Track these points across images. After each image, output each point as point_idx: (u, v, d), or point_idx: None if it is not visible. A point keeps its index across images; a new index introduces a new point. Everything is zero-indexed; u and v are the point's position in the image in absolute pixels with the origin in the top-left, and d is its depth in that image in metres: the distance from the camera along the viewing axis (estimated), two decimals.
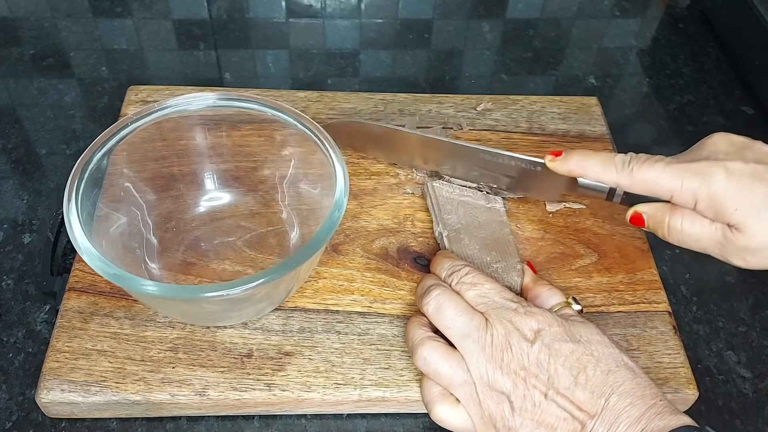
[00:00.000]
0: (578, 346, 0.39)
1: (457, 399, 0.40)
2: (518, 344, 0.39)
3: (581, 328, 0.40)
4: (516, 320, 0.40)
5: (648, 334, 0.48)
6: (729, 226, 0.42)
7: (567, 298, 0.44)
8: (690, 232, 0.43)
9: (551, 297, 0.44)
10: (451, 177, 0.54)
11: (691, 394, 0.45)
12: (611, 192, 0.46)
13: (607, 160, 0.45)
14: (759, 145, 0.42)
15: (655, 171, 0.43)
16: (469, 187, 0.54)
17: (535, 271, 0.48)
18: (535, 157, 0.49)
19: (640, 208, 0.45)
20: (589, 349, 0.39)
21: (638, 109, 0.69)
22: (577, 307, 0.44)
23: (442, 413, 0.41)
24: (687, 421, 0.36)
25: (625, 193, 0.45)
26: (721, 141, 0.43)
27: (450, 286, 0.43)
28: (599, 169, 0.45)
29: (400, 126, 0.59)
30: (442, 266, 0.45)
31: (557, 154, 0.46)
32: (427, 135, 0.52)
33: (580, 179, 0.47)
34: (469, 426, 0.40)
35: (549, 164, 0.47)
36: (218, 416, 0.46)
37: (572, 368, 0.38)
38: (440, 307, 0.41)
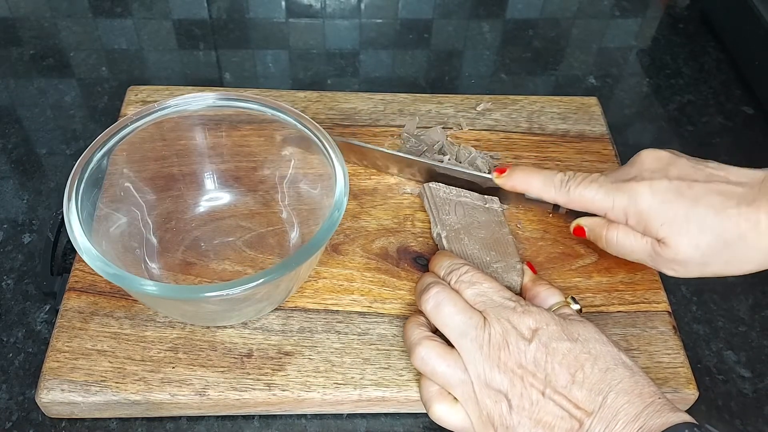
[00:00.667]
0: (576, 345, 0.39)
1: (456, 398, 0.41)
2: (516, 343, 0.39)
3: (579, 326, 0.40)
4: (514, 319, 0.40)
5: (648, 334, 0.48)
6: (657, 240, 0.44)
7: (566, 298, 0.44)
8: (624, 244, 0.46)
9: (550, 296, 0.44)
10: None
11: (690, 394, 0.45)
12: (556, 206, 0.50)
13: (547, 179, 0.48)
14: (683, 160, 0.45)
15: (590, 191, 0.46)
16: (466, 188, 0.54)
17: (534, 271, 0.48)
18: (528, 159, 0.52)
19: (582, 221, 0.49)
20: (586, 347, 0.39)
21: (638, 109, 0.69)
22: (576, 307, 0.44)
23: (440, 412, 0.41)
24: (686, 418, 0.36)
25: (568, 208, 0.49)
26: (648, 158, 0.46)
27: (449, 284, 0.43)
28: (540, 187, 0.49)
29: (400, 126, 0.59)
30: (441, 265, 0.45)
31: (502, 171, 0.50)
32: (383, 150, 0.54)
33: (526, 194, 0.51)
34: (467, 425, 0.40)
35: (495, 180, 0.51)
36: (218, 416, 0.46)
37: (570, 366, 0.38)
38: (439, 304, 0.42)
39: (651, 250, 0.45)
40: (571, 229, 0.50)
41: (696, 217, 0.42)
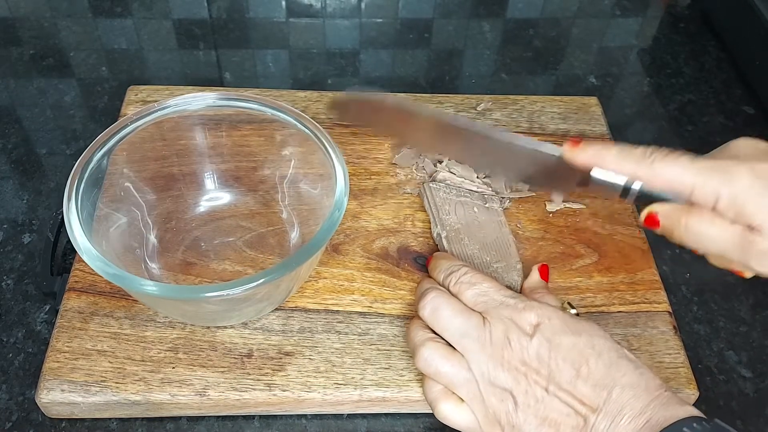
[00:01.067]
0: (579, 339, 0.39)
1: (461, 397, 0.40)
2: (518, 339, 0.39)
3: (582, 321, 0.40)
4: (515, 316, 0.40)
5: (648, 334, 0.48)
6: (750, 228, 0.39)
7: (563, 303, 0.44)
8: (708, 233, 0.40)
9: (546, 300, 0.44)
10: (452, 169, 0.54)
11: (691, 394, 0.45)
12: (626, 190, 0.43)
13: (627, 150, 0.42)
14: None
15: (678, 166, 0.40)
16: (466, 188, 0.54)
17: (547, 279, 0.48)
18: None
19: (656, 207, 0.42)
20: (590, 342, 0.39)
21: (638, 109, 0.69)
22: (573, 312, 0.43)
23: (446, 411, 0.41)
24: (693, 411, 0.36)
25: (640, 191, 0.42)
26: (746, 144, 0.41)
27: (448, 287, 0.43)
28: (617, 159, 0.42)
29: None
30: (440, 268, 0.45)
31: (576, 143, 0.43)
32: (442, 117, 0.48)
33: (593, 174, 0.43)
34: (473, 424, 0.40)
35: (566, 154, 0.43)
36: (218, 416, 0.45)
37: (574, 362, 0.38)
38: (436, 309, 0.41)
39: (741, 240, 0.39)
40: (642, 218, 0.42)
41: None
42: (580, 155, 0.43)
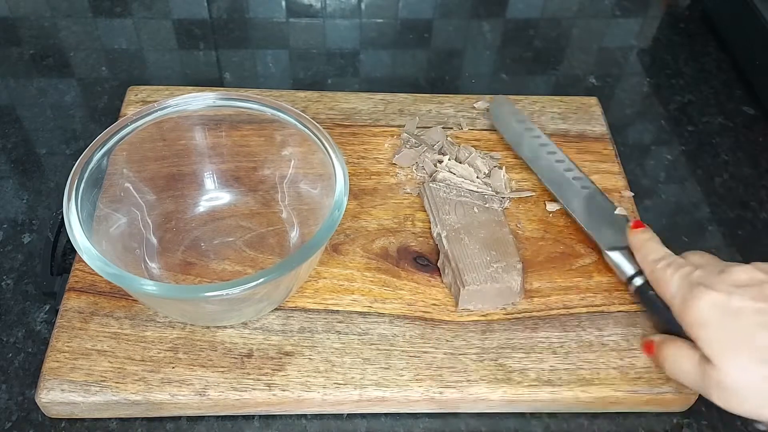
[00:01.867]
0: None
1: None
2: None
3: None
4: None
5: (649, 334, 0.47)
6: (706, 357, 0.40)
7: None
8: (676, 358, 0.42)
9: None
10: (452, 169, 0.54)
11: (691, 393, 0.45)
12: (630, 279, 0.48)
13: (662, 255, 0.45)
14: None
15: (667, 273, 0.44)
16: (466, 188, 0.54)
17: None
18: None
19: (655, 338, 0.45)
20: None
21: (638, 109, 0.69)
22: None
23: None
24: None
25: (640, 287, 0.47)
26: (744, 273, 0.41)
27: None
28: (646, 256, 0.46)
29: (400, 126, 0.59)
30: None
31: (639, 225, 0.48)
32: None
33: (609, 253, 0.49)
34: None
35: (629, 232, 0.49)
36: (218, 416, 0.45)
37: None
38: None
39: (699, 368, 0.40)
40: (642, 344, 0.47)
41: (757, 344, 0.38)
42: (633, 238, 0.48)
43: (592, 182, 0.54)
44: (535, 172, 0.56)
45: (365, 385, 0.44)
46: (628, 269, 0.48)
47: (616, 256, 0.49)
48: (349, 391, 0.44)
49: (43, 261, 0.50)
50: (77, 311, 0.47)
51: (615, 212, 0.52)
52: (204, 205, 0.52)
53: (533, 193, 0.55)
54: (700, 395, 0.45)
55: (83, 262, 0.41)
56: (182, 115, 0.49)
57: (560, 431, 0.46)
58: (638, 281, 0.47)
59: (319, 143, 0.47)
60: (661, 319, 0.46)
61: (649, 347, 0.45)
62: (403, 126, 0.59)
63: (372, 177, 0.56)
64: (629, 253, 0.49)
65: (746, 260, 0.55)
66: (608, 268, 0.51)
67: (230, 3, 0.77)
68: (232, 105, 0.49)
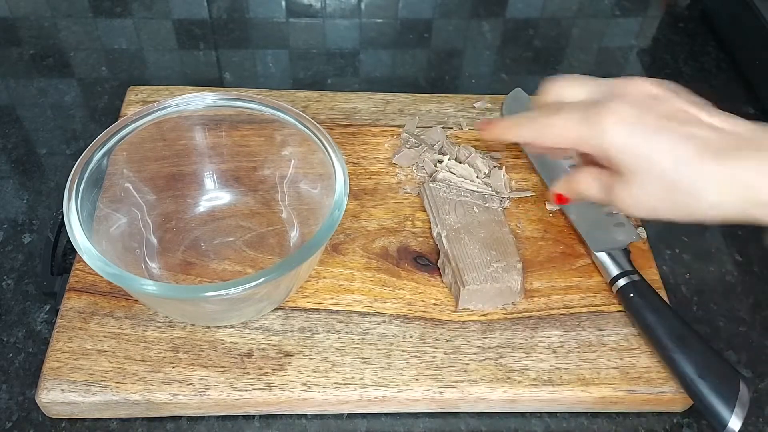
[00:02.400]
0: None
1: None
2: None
3: None
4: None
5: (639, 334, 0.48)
6: (614, 171, 0.40)
7: None
8: (588, 185, 0.43)
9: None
10: (452, 169, 0.54)
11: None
12: (614, 280, 0.49)
13: (521, 116, 0.44)
14: (677, 100, 0.41)
15: (560, 123, 0.42)
16: (466, 188, 0.54)
17: None
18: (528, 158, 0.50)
19: (556, 187, 0.46)
20: None
21: None
22: None
23: None
24: None
25: (622, 288, 0.48)
26: (637, 88, 0.41)
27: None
28: (513, 129, 0.45)
29: (400, 126, 0.59)
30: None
31: (488, 123, 0.46)
32: None
33: (597, 254, 0.50)
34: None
35: (481, 134, 0.47)
36: (218, 416, 0.45)
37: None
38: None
39: (607, 183, 0.41)
40: (553, 200, 0.47)
41: (657, 158, 0.38)
42: (488, 135, 0.46)
43: None
44: (537, 168, 0.56)
45: (365, 384, 0.44)
46: (613, 270, 0.49)
47: (603, 257, 0.50)
48: (349, 391, 0.44)
49: (44, 261, 0.50)
50: (77, 311, 0.47)
51: (614, 212, 0.52)
52: (204, 205, 0.52)
53: (533, 193, 0.55)
54: None
55: (83, 262, 0.41)
56: (182, 115, 0.49)
57: (560, 431, 0.46)
58: (621, 282, 0.48)
59: (319, 143, 0.47)
60: (644, 320, 0.46)
61: (559, 197, 0.46)
62: (403, 126, 0.59)
63: (372, 177, 0.56)
64: (617, 254, 0.50)
65: (746, 261, 0.56)
66: None
67: (230, 3, 0.77)
68: (232, 105, 0.49)
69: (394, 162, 0.57)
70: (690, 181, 0.38)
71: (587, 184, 0.43)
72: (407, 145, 0.57)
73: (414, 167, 0.56)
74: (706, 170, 0.37)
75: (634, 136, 0.38)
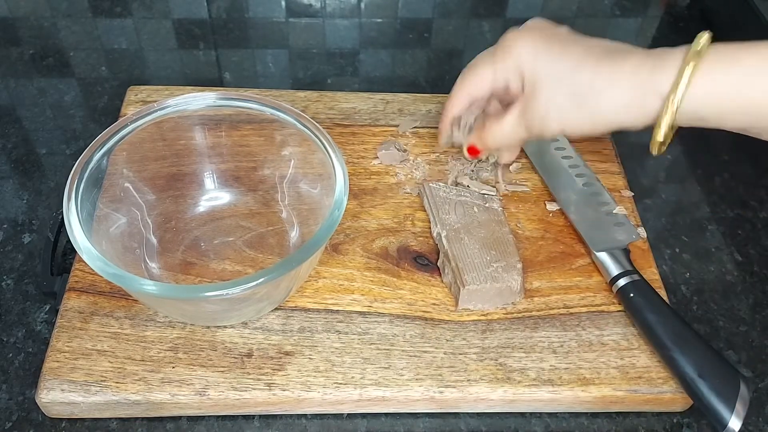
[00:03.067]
0: None
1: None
2: None
3: None
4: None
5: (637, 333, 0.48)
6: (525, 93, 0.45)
7: None
8: (503, 128, 0.47)
9: None
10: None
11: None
12: (614, 279, 0.49)
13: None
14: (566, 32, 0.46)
15: (474, 79, 0.48)
16: (466, 187, 0.54)
17: None
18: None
19: (470, 139, 0.51)
20: None
21: None
22: None
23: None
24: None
25: (622, 287, 0.48)
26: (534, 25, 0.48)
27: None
28: (444, 116, 0.51)
29: (395, 126, 0.59)
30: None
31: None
32: None
33: (597, 254, 0.50)
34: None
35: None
36: (218, 416, 0.45)
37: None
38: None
39: (520, 108, 0.45)
40: (466, 154, 0.51)
41: (561, 64, 0.43)
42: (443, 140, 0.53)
43: (598, 179, 0.54)
44: (537, 167, 0.56)
45: (365, 384, 0.44)
46: (613, 270, 0.49)
47: (603, 257, 0.50)
48: (349, 391, 0.44)
49: (43, 261, 0.50)
50: (77, 311, 0.47)
51: (614, 211, 0.52)
52: (204, 205, 0.52)
53: (528, 189, 0.55)
54: None
55: (83, 262, 0.41)
56: (182, 115, 0.49)
57: (560, 431, 0.46)
58: (621, 282, 0.48)
59: (319, 143, 0.47)
60: (644, 320, 0.46)
61: (472, 150, 0.50)
62: (398, 126, 0.59)
63: (372, 177, 0.56)
64: (617, 253, 0.50)
65: (746, 260, 0.56)
66: None
67: (230, 3, 0.77)
68: (232, 105, 0.49)
69: (377, 156, 0.57)
70: (589, 80, 0.41)
71: (504, 122, 0.46)
72: (396, 146, 0.57)
73: (415, 169, 0.56)
74: (601, 70, 0.41)
75: (540, 50, 0.44)
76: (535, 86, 0.43)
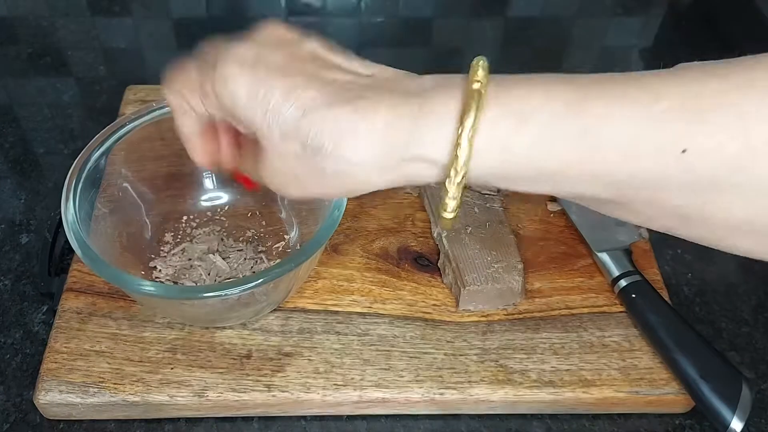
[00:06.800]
0: None
1: None
2: None
3: None
4: None
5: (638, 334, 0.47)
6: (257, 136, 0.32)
7: None
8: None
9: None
10: None
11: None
12: (615, 280, 0.49)
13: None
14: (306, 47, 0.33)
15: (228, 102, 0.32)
16: (467, 188, 0.54)
17: None
18: None
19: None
20: None
21: None
22: None
23: None
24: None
25: (624, 288, 0.48)
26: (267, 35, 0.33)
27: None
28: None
29: None
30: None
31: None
32: None
33: (599, 255, 0.49)
34: None
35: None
36: (217, 418, 0.45)
37: None
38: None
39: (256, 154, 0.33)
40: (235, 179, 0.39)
41: (283, 106, 0.30)
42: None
43: None
44: None
45: (365, 386, 0.44)
46: (614, 271, 0.49)
47: (605, 258, 0.49)
48: (348, 393, 0.44)
49: (41, 261, 0.50)
50: (75, 312, 0.46)
51: None
52: (203, 205, 0.52)
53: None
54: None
55: (81, 262, 0.41)
56: None
57: None
58: (623, 283, 0.48)
59: None
60: (646, 321, 0.46)
61: (246, 180, 0.38)
62: None
63: None
64: (619, 254, 0.49)
65: (748, 261, 0.55)
66: None
67: (230, 2, 0.77)
68: None
69: None
70: (319, 131, 0.29)
71: (226, 151, 0.35)
72: None
73: None
74: (339, 116, 0.29)
75: (256, 82, 0.30)
76: (261, 137, 0.31)
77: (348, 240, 0.51)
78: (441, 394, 0.44)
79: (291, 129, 0.30)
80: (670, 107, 0.28)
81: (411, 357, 0.46)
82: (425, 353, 0.46)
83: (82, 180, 0.44)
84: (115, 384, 0.43)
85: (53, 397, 0.43)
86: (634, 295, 0.47)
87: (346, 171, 0.30)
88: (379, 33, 0.75)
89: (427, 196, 0.53)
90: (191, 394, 0.43)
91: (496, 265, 0.48)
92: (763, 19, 0.67)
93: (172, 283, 0.48)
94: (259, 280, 0.39)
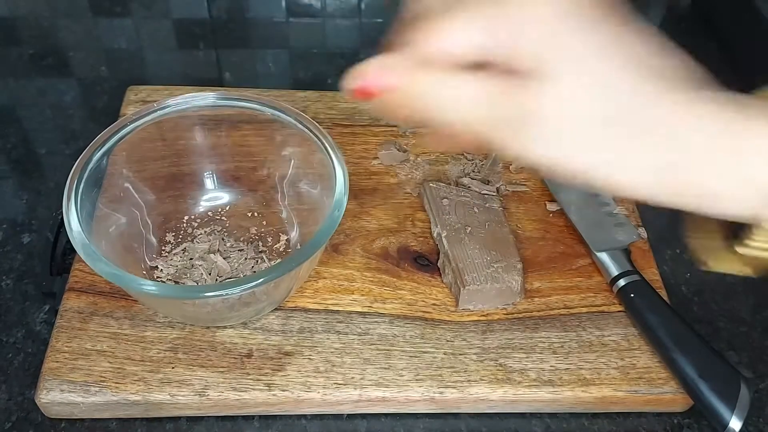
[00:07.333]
0: None
1: None
2: None
3: None
4: None
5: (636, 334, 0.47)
6: (526, 73, 0.27)
7: None
8: (448, 94, 0.28)
9: None
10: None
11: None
12: (614, 280, 0.49)
13: (387, 57, 0.32)
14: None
15: (456, 32, 0.29)
16: (467, 187, 0.54)
17: None
18: None
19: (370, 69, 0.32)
20: None
21: None
22: None
23: None
24: None
25: (622, 288, 0.48)
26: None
27: None
28: (379, 73, 0.32)
29: (395, 126, 0.59)
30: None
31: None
32: None
33: (599, 255, 0.49)
34: None
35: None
36: (218, 417, 0.45)
37: None
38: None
39: (500, 98, 0.27)
40: (353, 90, 0.32)
41: (608, 64, 0.26)
42: (355, 93, 0.32)
43: None
44: None
45: (365, 385, 0.44)
46: (613, 270, 0.49)
47: (604, 257, 0.50)
48: (349, 392, 0.44)
49: (43, 261, 0.50)
50: (77, 311, 0.47)
51: (614, 212, 0.52)
52: (204, 205, 0.52)
53: (528, 189, 0.55)
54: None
55: (83, 262, 0.41)
56: (182, 115, 0.49)
57: (560, 431, 0.46)
58: (622, 282, 0.48)
59: (319, 143, 0.46)
60: (645, 320, 0.46)
61: (364, 92, 0.31)
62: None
63: (372, 177, 0.56)
64: (618, 254, 0.50)
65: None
66: None
67: (230, 2, 0.77)
68: (232, 105, 0.49)
69: (377, 156, 0.57)
70: (673, 125, 0.26)
71: (462, 90, 0.28)
72: (396, 146, 0.57)
73: (415, 169, 0.56)
74: (681, 110, 0.26)
75: (577, 30, 0.26)
76: (552, 71, 0.26)
77: (348, 240, 0.52)
78: (441, 393, 0.44)
79: (627, 100, 0.26)
80: None
81: (411, 356, 0.46)
82: (425, 352, 0.46)
83: (83, 180, 0.44)
84: (116, 383, 0.43)
85: (55, 396, 0.43)
86: (632, 295, 0.47)
87: (698, 178, 0.27)
88: (380, 34, 0.75)
89: (426, 196, 0.53)
90: (192, 393, 0.43)
91: (495, 265, 0.48)
92: (763, 20, 0.67)
93: (174, 283, 0.48)
94: (260, 280, 0.39)
